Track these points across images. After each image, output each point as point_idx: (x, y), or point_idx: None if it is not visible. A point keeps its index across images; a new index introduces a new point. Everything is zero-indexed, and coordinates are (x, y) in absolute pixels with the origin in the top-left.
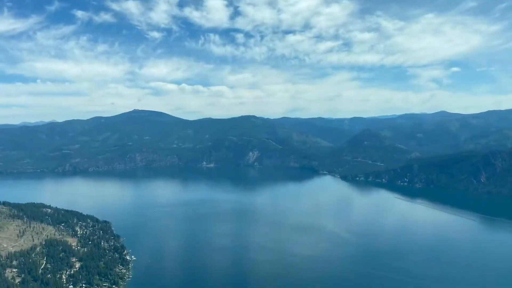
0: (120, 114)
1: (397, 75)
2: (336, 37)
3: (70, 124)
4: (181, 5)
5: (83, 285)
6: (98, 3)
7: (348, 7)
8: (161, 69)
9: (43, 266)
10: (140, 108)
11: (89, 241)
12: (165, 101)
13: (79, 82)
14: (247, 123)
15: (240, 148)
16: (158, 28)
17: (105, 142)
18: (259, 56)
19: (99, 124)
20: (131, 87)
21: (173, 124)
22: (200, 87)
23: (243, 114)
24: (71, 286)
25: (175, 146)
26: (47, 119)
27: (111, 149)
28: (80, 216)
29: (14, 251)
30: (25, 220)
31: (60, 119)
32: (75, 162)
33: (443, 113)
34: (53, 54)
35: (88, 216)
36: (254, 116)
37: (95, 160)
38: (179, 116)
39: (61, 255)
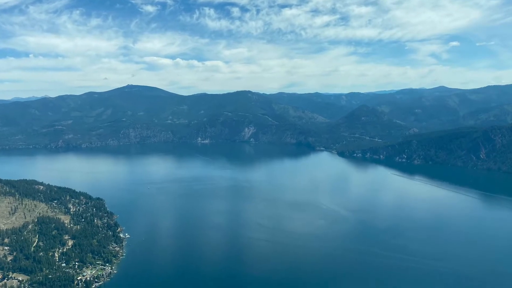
0: (114, 89)
1: (395, 50)
2: (333, 11)
3: (63, 99)
4: None
5: (76, 263)
6: None
7: None
8: (155, 43)
9: (35, 244)
10: (134, 83)
11: (82, 218)
12: (160, 76)
13: (72, 57)
14: (242, 98)
15: (236, 124)
16: (152, 2)
17: (98, 118)
18: (255, 30)
19: (93, 99)
20: (124, 62)
21: (168, 99)
22: (195, 62)
23: (239, 90)
24: (64, 264)
25: (169, 121)
26: (39, 95)
27: (105, 125)
28: (73, 193)
29: (6, 229)
30: (17, 197)
31: (53, 94)
32: (68, 138)
33: (442, 88)
34: (46, 28)
35: (81, 193)
36: (250, 92)
37: (88, 136)
38: (173, 92)
39: (53, 232)
